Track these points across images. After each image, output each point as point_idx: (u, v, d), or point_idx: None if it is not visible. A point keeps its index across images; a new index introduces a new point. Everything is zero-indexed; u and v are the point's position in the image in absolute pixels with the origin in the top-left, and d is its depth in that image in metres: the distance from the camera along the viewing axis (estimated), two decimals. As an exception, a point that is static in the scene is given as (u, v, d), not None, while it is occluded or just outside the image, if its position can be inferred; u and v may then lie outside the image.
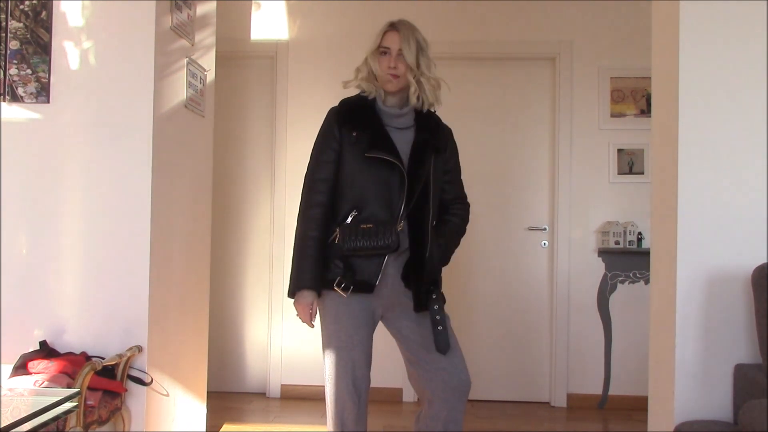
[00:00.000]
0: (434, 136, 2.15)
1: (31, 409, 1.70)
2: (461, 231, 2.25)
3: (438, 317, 2.01)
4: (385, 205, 2.02)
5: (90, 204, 2.51)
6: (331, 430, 2.05)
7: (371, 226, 1.98)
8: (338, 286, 2.00)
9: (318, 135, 2.14)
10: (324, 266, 2.03)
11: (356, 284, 2.01)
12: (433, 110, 2.18)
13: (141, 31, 2.51)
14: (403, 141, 2.08)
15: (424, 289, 2.04)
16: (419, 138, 2.11)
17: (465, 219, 2.26)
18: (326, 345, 2.05)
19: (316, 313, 2.07)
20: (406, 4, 4.12)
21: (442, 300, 2.06)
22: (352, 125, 2.07)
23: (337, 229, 2.01)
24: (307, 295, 2.03)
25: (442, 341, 2.00)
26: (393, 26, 2.11)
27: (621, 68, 4.05)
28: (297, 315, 2.07)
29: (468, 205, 2.30)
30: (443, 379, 2.01)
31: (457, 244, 2.23)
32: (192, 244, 2.97)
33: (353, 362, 2.01)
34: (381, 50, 2.09)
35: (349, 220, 2.02)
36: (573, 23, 4.10)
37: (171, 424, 2.74)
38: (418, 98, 2.10)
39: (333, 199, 2.07)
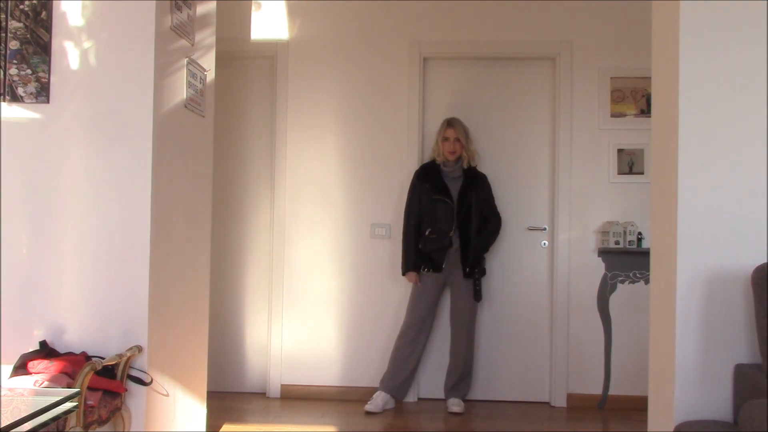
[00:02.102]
0: (473, 183, 3.89)
1: (31, 409, 1.70)
2: (493, 233, 3.93)
3: (476, 281, 3.82)
4: (445, 223, 3.83)
5: (90, 204, 2.50)
6: (399, 343, 3.88)
7: (436, 235, 3.80)
8: (426, 270, 3.83)
9: (409, 187, 3.94)
10: (417, 257, 3.86)
11: (434, 268, 3.82)
12: (474, 165, 3.93)
13: (141, 31, 2.51)
14: (455, 186, 3.87)
15: (470, 265, 3.81)
16: (464, 184, 3.87)
17: (497, 225, 3.95)
18: (414, 296, 3.89)
19: (418, 280, 3.87)
20: (407, 4, 4.13)
21: (482, 273, 3.86)
22: (425, 180, 3.88)
23: (422, 238, 3.82)
24: (412, 273, 3.87)
25: (477, 293, 3.82)
26: (450, 123, 3.88)
27: (621, 68, 4.06)
28: (408, 280, 3.92)
29: (498, 217, 3.97)
30: (456, 321, 3.93)
31: (491, 241, 3.93)
32: (192, 244, 2.97)
33: (428, 308, 3.89)
34: (443, 137, 3.86)
35: (427, 233, 3.82)
36: (573, 23, 4.10)
37: (171, 424, 2.74)
38: (465, 162, 3.88)
39: (418, 221, 3.87)
